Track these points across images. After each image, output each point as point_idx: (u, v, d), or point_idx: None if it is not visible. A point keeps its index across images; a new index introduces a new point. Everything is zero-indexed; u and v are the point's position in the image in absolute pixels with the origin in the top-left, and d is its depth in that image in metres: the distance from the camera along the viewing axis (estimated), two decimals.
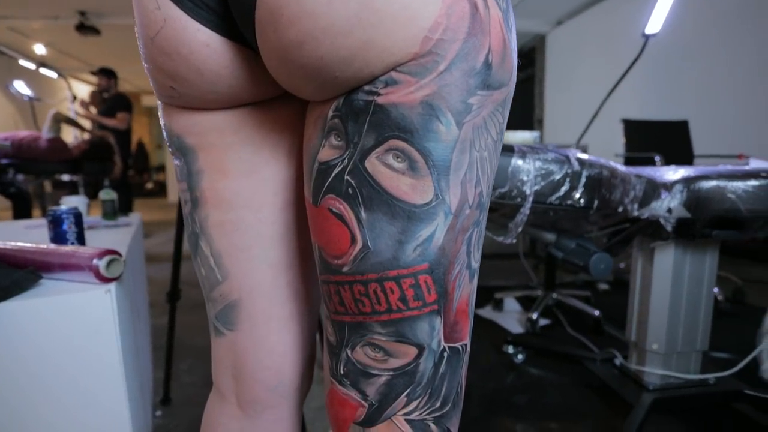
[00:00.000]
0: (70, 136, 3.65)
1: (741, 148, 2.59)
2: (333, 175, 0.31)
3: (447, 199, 0.29)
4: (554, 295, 1.84)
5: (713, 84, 3.19)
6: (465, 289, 0.32)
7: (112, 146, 3.08)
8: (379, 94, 0.28)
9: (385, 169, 0.29)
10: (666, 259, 1.06)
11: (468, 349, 0.34)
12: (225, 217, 0.40)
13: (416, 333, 0.31)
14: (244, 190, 0.39)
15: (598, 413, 1.17)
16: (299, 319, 0.43)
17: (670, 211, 0.92)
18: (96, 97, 3.56)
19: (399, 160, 0.29)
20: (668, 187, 0.93)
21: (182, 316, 1.91)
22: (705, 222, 0.92)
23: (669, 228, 0.92)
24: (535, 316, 1.70)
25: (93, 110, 3.40)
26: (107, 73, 3.53)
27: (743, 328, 1.66)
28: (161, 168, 9.42)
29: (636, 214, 0.91)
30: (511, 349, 1.46)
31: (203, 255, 0.41)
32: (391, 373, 0.32)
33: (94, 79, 3.80)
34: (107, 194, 1.43)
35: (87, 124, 3.52)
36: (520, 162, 0.78)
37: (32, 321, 0.62)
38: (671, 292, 1.06)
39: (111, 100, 3.52)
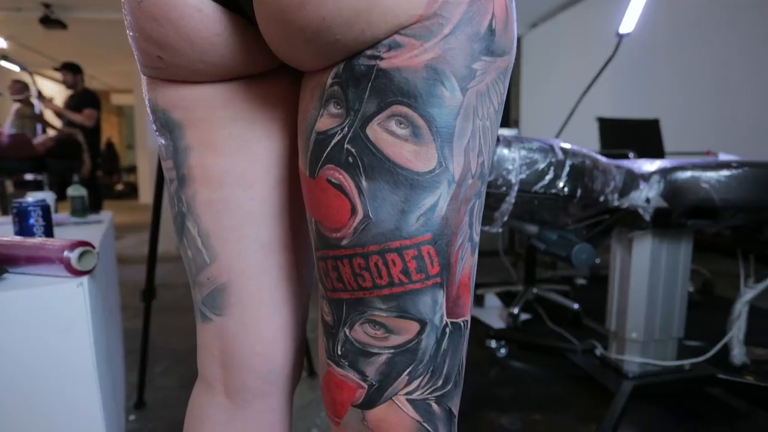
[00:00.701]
0: (35, 131, 3.44)
1: (708, 146, 2.71)
2: (332, 144, 0.29)
3: (450, 167, 0.29)
4: (534, 290, 1.87)
5: (683, 84, 3.34)
6: (467, 262, 0.31)
7: (81, 144, 2.95)
8: (381, 59, 0.27)
9: (387, 135, 0.28)
10: (644, 249, 1.08)
11: (469, 325, 0.34)
12: (214, 196, 0.38)
13: (418, 307, 0.30)
14: (234, 167, 0.37)
15: (580, 403, 1.19)
16: (290, 303, 0.42)
17: (648, 201, 0.95)
18: (16, 88, 3.05)
19: (402, 126, 0.28)
20: (646, 178, 0.95)
21: (157, 318, 1.85)
22: (681, 211, 0.95)
23: (647, 218, 0.95)
24: (516, 310, 1.72)
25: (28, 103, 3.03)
26: (72, 69, 3.34)
27: (713, 318, 1.73)
28: (132, 169, 9.11)
29: (616, 204, 0.93)
30: (493, 344, 1.47)
31: (190, 236, 0.39)
32: (392, 351, 0.31)
33: (58, 75, 3.61)
34: (76, 190, 1.37)
35: (55, 120, 3.33)
36: (505, 151, 0.78)
37: None
38: (649, 281, 1.09)
39: (77, 96, 3.33)
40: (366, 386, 0.32)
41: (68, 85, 3.38)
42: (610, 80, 3.77)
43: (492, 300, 2.00)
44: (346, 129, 0.29)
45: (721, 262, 2.66)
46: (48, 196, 1.19)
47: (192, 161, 0.37)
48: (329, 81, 0.29)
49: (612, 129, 2.40)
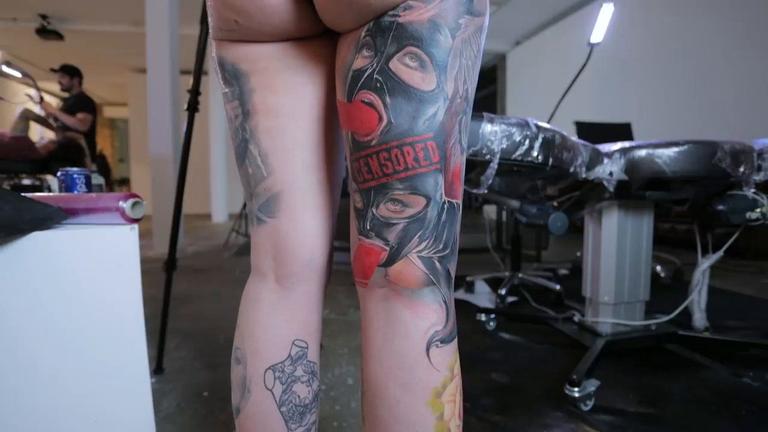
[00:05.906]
0: (36, 134, 3.49)
1: None
2: (365, 76, 0.43)
3: (445, 88, 0.42)
4: (520, 275, 2.01)
5: (652, 91, 3.60)
6: (458, 158, 0.45)
7: (83, 148, 3.03)
8: (399, 16, 0.41)
9: (403, 67, 0.42)
10: (611, 220, 1.24)
11: (461, 209, 0.47)
12: (272, 124, 0.51)
13: (425, 186, 0.43)
14: (287, 104, 0.51)
15: (561, 361, 1.32)
16: (325, 210, 0.55)
17: (611, 174, 1.10)
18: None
19: (413, 60, 0.42)
20: (609, 155, 1.11)
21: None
22: (639, 184, 1.10)
23: (611, 188, 1.10)
24: (503, 291, 1.86)
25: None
26: (69, 71, 3.33)
27: (681, 297, 1.90)
28: (124, 181, 9.13)
29: (584, 176, 1.08)
30: (483, 317, 1.60)
31: (252, 156, 0.52)
32: (406, 220, 0.44)
33: (54, 86, 3.64)
34: (95, 179, 1.46)
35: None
36: (489, 126, 0.93)
37: (62, 251, 0.66)
38: (617, 248, 1.24)
39: (72, 99, 3.31)
40: (388, 249, 0.45)
41: (63, 88, 3.35)
42: (588, 87, 4.03)
43: (482, 286, 2.13)
44: (375, 65, 0.43)
45: (689, 255, 2.91)
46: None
47: (255, 99, 0.51)
48: (363, 34, 0.43)
49: (588, 132, 2.60)
